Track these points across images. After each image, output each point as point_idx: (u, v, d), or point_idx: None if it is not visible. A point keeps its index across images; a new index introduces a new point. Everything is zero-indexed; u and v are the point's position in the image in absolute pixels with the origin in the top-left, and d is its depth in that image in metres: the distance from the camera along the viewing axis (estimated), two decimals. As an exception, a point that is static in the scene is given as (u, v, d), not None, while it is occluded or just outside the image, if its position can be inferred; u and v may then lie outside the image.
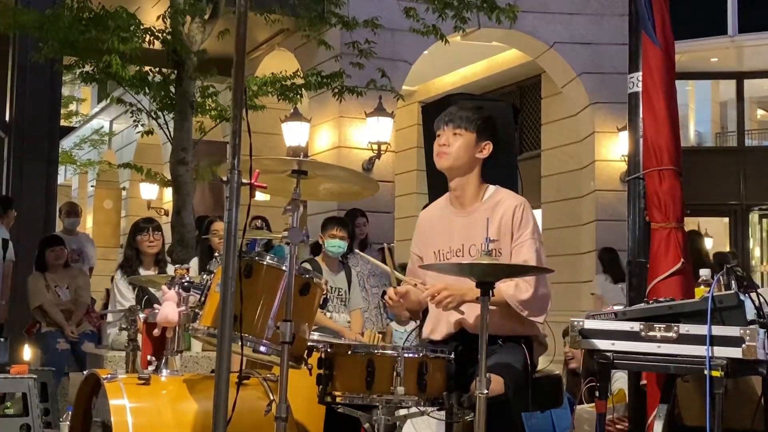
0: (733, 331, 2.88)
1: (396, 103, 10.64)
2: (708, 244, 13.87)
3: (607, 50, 11.09)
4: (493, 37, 11.73)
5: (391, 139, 10.77)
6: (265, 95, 9.03)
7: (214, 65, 8.55)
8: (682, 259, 3.82)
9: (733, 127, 13.89)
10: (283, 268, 2.92)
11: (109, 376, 3.14)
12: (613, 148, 11.36)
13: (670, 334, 3.00)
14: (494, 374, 2.91)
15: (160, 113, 8.61)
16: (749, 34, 12.12)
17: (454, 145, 3.32)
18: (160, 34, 8.20)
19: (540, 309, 3.22)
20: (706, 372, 2.86)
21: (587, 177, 11.73)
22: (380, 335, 6.25)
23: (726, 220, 13.61)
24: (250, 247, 4.92)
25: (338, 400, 2.91)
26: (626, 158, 6.71)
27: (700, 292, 3.18)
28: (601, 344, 3.15)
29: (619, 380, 4.55)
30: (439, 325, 3.35)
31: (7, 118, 11.24)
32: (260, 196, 3.09)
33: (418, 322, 3.61)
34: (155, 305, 3.52)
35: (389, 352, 2.89)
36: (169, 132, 8.34)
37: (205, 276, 3.24)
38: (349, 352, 2.92)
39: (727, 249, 12.94)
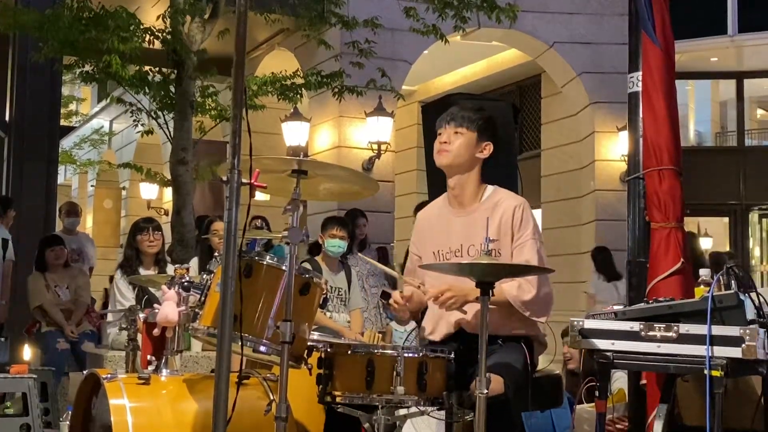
0: (732, 330, 2.88)
1: (396, 102, 10.64)
2: (708, 244, 13.90)
3: (607, 50, 11.09)
4: (493, 37, 11.73)
5: (391, 139, 10.78)
6: (265, 95, 9.03)
7: (214, 65, 8.55)
8: (681, 259, 3.82)
9: (733, 127, 13.90)
10: (283, 267, 2.92)
11: (109, 375, 3.14)
12: (613, 148, 11.36)
13: (669, 334, 3.00)
14: (494, 374, 2.91)
15: (159, 113, 8.61)
16: (749, 33, 12.13)
17: (455, 143, 3.33)
18: (160, 34, 8.20)
19: (543, 309, 3.23)
20: (705, 372, 2.86)
21: (587, 177, 11.73)
22: (380, 335, 6.26)
23: (726, 219, 13.62)
24: (249, 247, 4.92)
25: (338, 399, 2.91)
26: (626, 158, 6.72)
27: (700, 291, 3.18)
28: (601, 344, 3.15)
29: (619, 380, 4.55)
30: (439, 325, 3.35)
31: (7, 118, 11.25)
32: (260, 195, 3.09)
33: (418, 322, 3.61)
34: (155, 305, 3.52)
35: (389, 351, 2.89)
36: (169, 132, 8.34)
37: (205, 276, 3.24)
38: (349, 352, 2.92)
39: (727, 249, 12.95)
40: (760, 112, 15.37)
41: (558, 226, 12.31)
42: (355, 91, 9.11)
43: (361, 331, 6.06)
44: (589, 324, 3.20)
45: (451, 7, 8.77)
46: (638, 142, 4.08)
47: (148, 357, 3.32)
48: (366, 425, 2.92)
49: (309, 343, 3.04)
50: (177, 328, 3.28)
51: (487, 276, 2.83)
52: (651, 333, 3.04)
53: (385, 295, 6.87)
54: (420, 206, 7.86)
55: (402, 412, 2.99)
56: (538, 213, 12.63)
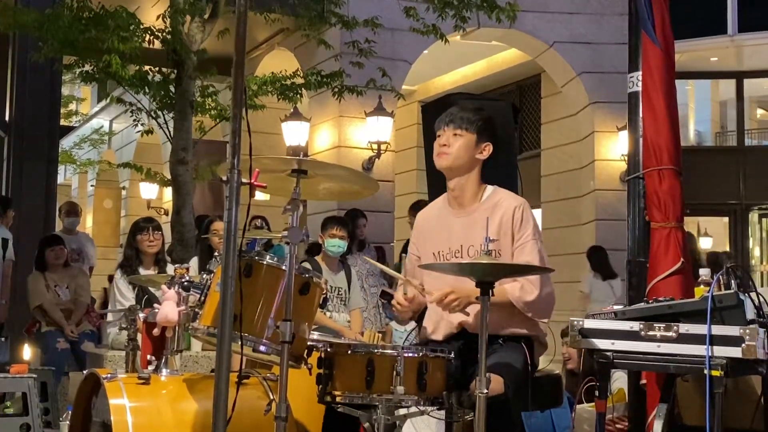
0: (732, 330, 2.88)
1: (396, 102, 10.64)
2: (708, 243, 13.91)
3: (607, 50, 11.10)
4: (492, 37, 11.73)
5: (390, 139, 10.78)
6: (264, 95, 9.03)
7: (213, 65, 8.55)
8: (681, 259, 3.82)
9: (733, 127, 13.90)
10: (283, 267, 2.92)
11: (108, 375, 3.14)
12: (613, 148, 11.36)
13: (669, 334, 3.00)
14: (494, 374, 2.91)
15: (159, 113, 8.61)
16: (749, 33, 12.12)
17: (454, 145, 3.32)
18: (159, 34, 8.20)
19: (545, 310, 3.24)
20: (705, 371, 2.86)
21: (587, 176, 11.73)
22: (380, 335, 6.26)
23: (726, 219, 13.62)
24: (249, 247, 4.93)
25: (338, 399, 2.91)
26: (626, 158, 6.72)
27: (700, 291, 3.19)
28: (601, 344, 3.15)
29: (619, 380, 4.55)
30: (440, 325, 3.35)
31: (6, 118, 11.24)
32: (260, 195, 3.09)
33: (419, 321, 3.61)
34: (155, 305, 3.52)
35: (389, 351, 2.89)
36: (169, 131, 8.34)
37: (204, 275, 3.24)
38: (349, 352, 2.92)
39: (727, 249, 12.96)
40: (760, 111, 15.37)
41: (558, 226, 12.32)
42: (355, 91, 9.11)
43: (361, 331, 6.06)
44: (589, 324, 3.20)
45: (451, 6, 8.77)
46: (638, 142, 4.08)
47: (148, 357, 3.32)
48: (366, 425, 2.92)
49: (309, 343, 3.04)
50: (177, 327, 3.28)
51: (487, 276, 2.83)
52: (651, 333, 3.04)
53: (385, 295, 6.88)
54: (414, 206, 7.91)
55: (402, 411, 2.99)
56: (538, 213, 12.63)
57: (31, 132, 10.91)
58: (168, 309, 3.26)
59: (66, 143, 20.23)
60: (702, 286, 3.22)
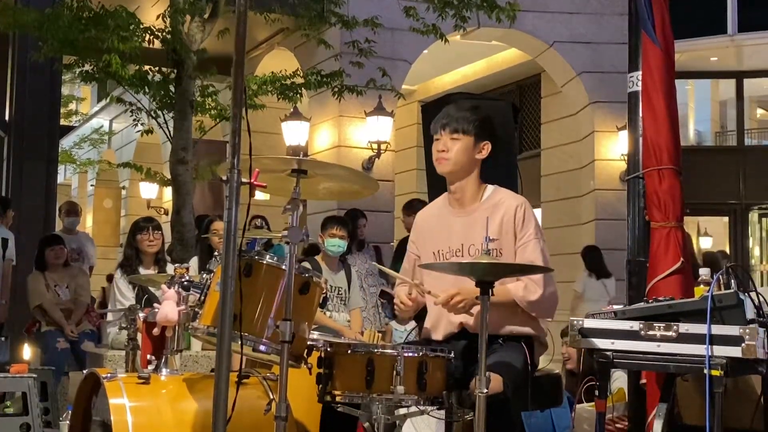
0: (732, 330, 2.88)
1: (396, 102, 10.64)
2: (708, 243, 13.92)
3: (607, 49, 11.10)
4: (492, 37, 11.73)
5: (390, 139, 10.78)
6: (264, 94, 9.03)
7: (213, 64, 8.55)
8: (681, 259, 3.82)
9: (733, 127, 13.90)
10: (283, 267, 2.92)
11: (108, 375, 3.14)
12: (613, 148, 11.36)
13: (669, 333, 3.00)
14: (493, 373, 2.91)
15: (159, 112, 8.61)
16: (749, 33, 12.13)
17: (453, 149, 3.31)
18: (159, 34, 8.20)
19: (549, 309, 3.24)
20: (705, 371, 2.86)
21: (587, 176, 11.73)
22: (380, 334, 6.26)
23: (726, 219, 13.63)
24: (249, 247, 4.93)
25: (338, 399, 2.90)
26: (626, 157, 6.73)
27: (700, 291, 3.19)
28: (601, 343, 3.15)
29: (619, 379, 4.55)
30: (440, 324, 3.35)
31: (6, 118, 11.25)
32: (260, 195, 3.08)
33: (419, 321, 3.61)
34: (155, 304, 3.52)
35: (389, 351, 2.89)
36: (169, 131, 8.34)
37: (204, 275, 3.24)
38: (349, 351, 2.92)
39: (727, 248, 12.97)
40: (759, 111, 15.38)
41: (558, 226, 12.32)
42: (354, 91, 9.11)
43: (360, 331, 6.06)
44: (589, 323, 3.20)
45: (451, 6, 8.77)
46: (638, 142, 4.07)
47: (148, 356, 3.32)
48: (366, 424, 2.92)
49: (309, 343, 3.03)
50: (177, 327, 3.28)
51: (487, 275, 2.83)
52: (651, 332, 3.04)
53: (384, 295, 6.88)
54: (407, 205, 7.93)
55: (402, 411, 2.99)
56: (537, 212, 12.61)
57: (31, 132, 10.91)
58: (168, 309, 3.26)
59: (66, 143, 20.23)
60: (702, 286, 3.22)
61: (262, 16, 9.06)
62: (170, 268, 5.29)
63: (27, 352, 5.95)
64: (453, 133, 3.31)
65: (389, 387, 2.83)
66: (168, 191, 11.54)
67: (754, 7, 12.10)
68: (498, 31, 11.04)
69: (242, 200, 2.52)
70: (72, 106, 22.46)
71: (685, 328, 2.98)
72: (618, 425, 4.35)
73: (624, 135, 9.93)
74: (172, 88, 8.35)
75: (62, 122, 16.36)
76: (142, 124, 9.19)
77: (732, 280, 3.15)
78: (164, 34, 8.16)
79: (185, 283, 3.30)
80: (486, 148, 3.34)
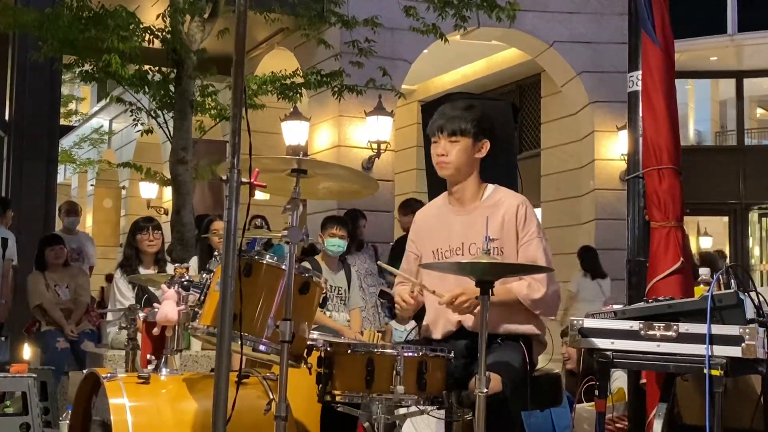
0: (732, 330, 2.88)
1: (396, 102, 10.64)
2: (708, 243, 13.92)
3: (607, 49, 11.09)
4: (492, 36, 11.73)
5: (390, 138, 10.78)
6: (264, 94, 9.03)
7: (213, 64, 8.55)
8: (681, 258, 3.82)
9: (733, 126, 13.91)
10: (283, 267, 2.92)
11: (108, 375, 3.14)
12: (613, 147, 11.36)
13: (669, 333, 3.00)
14: (492, 372, 2.91)
15: (159, 112, 8.61)
16: (749, 33, 12.13)
17: (452, 152, 3.30)
18: (159, 33, 8.20)
19: (552, 307, 3.26)
20: (705, 371, 2.86)
21: (587, 176, 11.73)
22: (380, 334, 6.26)
23: (725, 219, 13.63)
24: (249, 246, 4.93)
25: (338, 398, 2.91)
26: (626, 157, 6.73)
27: (700, 291, 3.19)
28: (601, 343, 3.15)
29: (619, 379, 4.55)
30: (439, 323, 3.35)
31: (6, 117, 11.24)
32: (260, 195, 3.08)
33: (418, 320, 3.61)
34: (155, 304, 3.52)
35: (389, 351, 2.89)
36: (169, 131, 8.34)
37: (204, 275, 3.24)
38: (349, 351, 2.92)
39: (727, 248, 12.98)
40: (759, 111, 15.38)
41: (558, 226, 12.31)
42: (354, 91, 9.11)
43: (360, 330, 6.06)
44: (589, 323, 3.20)
45: (451, 6, 8.77)
46: (638, 142, 4.07)
47: (148, 356, 3.32)
48: (366, 424, 2.92)
49: (309, 342, 3.03)
50: (177, 327, 3.28)
51: (486, 275, 2.83)
52: (651, 332, 3.04)
53: (384, 295, 6.88)
54: (404, 204, 7.93)
55: (402, 411, 2.99)
56: (537, 212, 12.58)
57: (31, 131, 10.91)
58: (168, 308, 3.26)
59: (66, 143, 20.23)
60: (702, 286, 3.22)
61: (262, 15, 9.06)
62: (170, 268, 5.29)
63: (27, 351, 5.95)
64: (451, 136, 3.30)
65: (389, 387, 2.83)
66: (168, 191, 11.54)
67: (754, 7, 12.10)
68: (498, 31, 11.04)
69: (242, 200, 2.52)
70: (72, 105, 22.47)
71: (685, 327, 2.98)
72: (618, 425, 4.35)
73: (624, 135, 9.93)
74: (172, 88, 8.35)
75: (62, 122, 16.37)
76: (142, 124, 9.19)
77: (732, 280, 3.15)
78: (164, 33, 8.15)
79: (185, 282, 3.30)
80: (485, 146, 3.34)
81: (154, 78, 8.53)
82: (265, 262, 3.00)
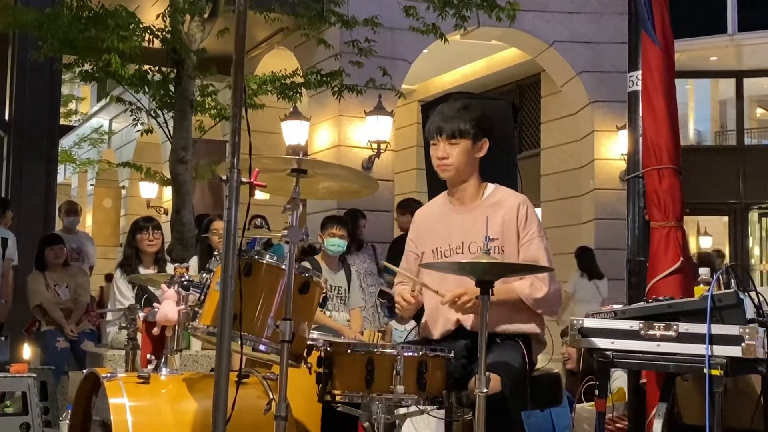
0: (732, 329, 2.88)
1: (396, 101, 10.64)
2: (708, 243, 13.92)
3: (607, 49, 11.09)
4: (492, 36, 11.73)
5: (390, 138, 10.78)
6: (264, 94, 9.03)
7: (213, 64, 8.54)
8: (681, 258, 3.82)
9: (733, 126, 13.91)
10: (283, 266, 2.92)
11: (108, 374, 3.14)
12: (613, 147, 11.36)
13: (669, 333, 3.00)
14: (491, 372, 2.91)
15: (159, 112, 8.61)
16: (749, 32, 12.13)
17: (453, 155, 3.30)
18: (159, 33, 8.19)
19: (554, 307, 3.26)
20: (705, 371, 2.86)
21: (587, 176, 11.73)
22: (380, 334, 6.26)
23: (725, 218, 13.63)
24: (249, 246, 4.92)
25: (338, 398, 2.91)
26: (626, 157, 6.72)
27: (700, 290, 3.18)
28: (601, 343, 3.15)
29: (619, 379, 4.55)
30: (437, 323, 3.35)
31: (6, 117, 11.24)
32: (260, 194, 3.09)
33: (418, 320, 3.61)
34: (155, 304, 3.52)
35: (389, 350, 2.89)
36: (169, 131, 8.34)
37: (204, 275, 3.24)
38: (349, 351, 2.92)
39: (727, 248, 12.98)
40: (759, 111, 15.38)
41: (558, 225, 12.31)
42: (354, 90, 9.11)
43: (360, 330, 6.06)
44: (589, 323, 3.20)
45: (451, 5, 8.76)
46: (638, 141, 4.07)
47: (148, 356, 3.32)
48: (365, 424, 2.92)
49: (308, 342, 3.04)
50: (176, 327, 3.28)
51: (486, 275, 2.83)
52: (651, 332, 3.04)
53: (383, 295, 6.88)
54: (402, 204, 7.93)
55: (401, 410, 2.99)
56: (537, 212, 12.60)
57: (31, 131, 10.91)
58: (168, 308, 3.26)
59: (66, 142, 20.24)
60: (702, 286, 3.22)
61: (261, 15, 9.06)
62: (170, 268, 5.29)
63: (27, 351, 5.95)
64: (450, 138, 3.29)
65: (389, 386, 2.83)
66: (168, 191, 11.54)
67: (754, 7, 12.11)
68: (498, 31, 11.04)
69: (242, 200, 2.52)
70: (72, 105, 22.46)
71: (684, 327, 2.98)
72: (618, 425, 4.35)
73: (624, 134, 9.93)
74: (171, 88, 8.35)
75: (62, 122, 16.37)
76: (141, 124, 9.19)
77: (732, 280, 3.15)
78: (164, 33, 8.15)
79: (185, 282, 3.30)
80: (484, 145, 3.34)
81: (154, 78, 8.52)
82: (265, 261, 3.00)
